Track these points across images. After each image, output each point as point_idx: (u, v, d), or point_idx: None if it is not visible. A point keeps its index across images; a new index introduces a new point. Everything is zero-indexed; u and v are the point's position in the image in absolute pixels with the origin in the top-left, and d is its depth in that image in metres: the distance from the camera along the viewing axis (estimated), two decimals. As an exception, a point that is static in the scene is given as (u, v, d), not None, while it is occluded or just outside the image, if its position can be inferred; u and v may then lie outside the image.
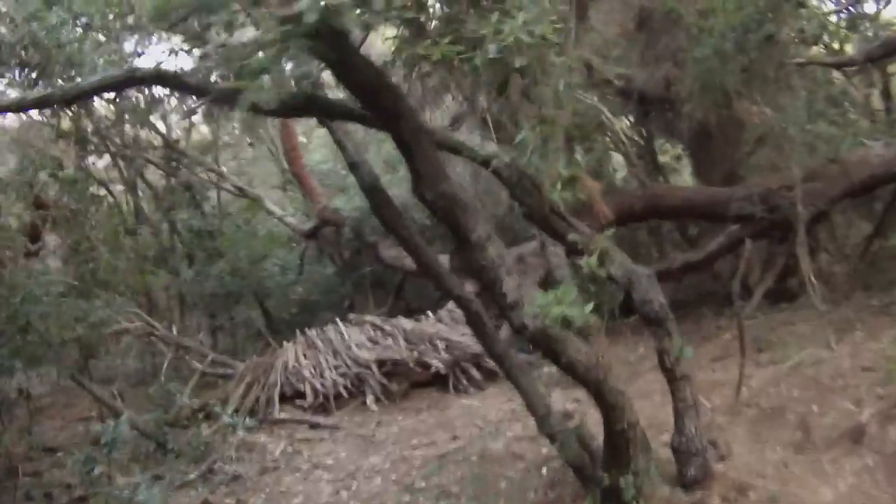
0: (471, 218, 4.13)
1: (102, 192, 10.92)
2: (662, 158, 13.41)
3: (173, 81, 5.18)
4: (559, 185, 4.43)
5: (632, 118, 12.84)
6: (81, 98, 6.20)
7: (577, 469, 5.34)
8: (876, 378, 5.99)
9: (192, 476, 7.31)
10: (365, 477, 6.96)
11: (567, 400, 7.43)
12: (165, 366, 9.87)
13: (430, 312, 10.55)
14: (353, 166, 5.39)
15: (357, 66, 3.76)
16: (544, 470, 6.26)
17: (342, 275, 13.19)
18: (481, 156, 4.58)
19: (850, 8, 10.10)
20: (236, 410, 8.91)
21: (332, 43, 3.41)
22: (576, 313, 3.64)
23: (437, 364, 9.20)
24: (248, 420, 8.18)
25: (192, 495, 7.00)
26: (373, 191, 5.30)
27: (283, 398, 9.20)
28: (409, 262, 11.94)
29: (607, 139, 12.09)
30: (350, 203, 12.27)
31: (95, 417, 9.30)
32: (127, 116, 9.75)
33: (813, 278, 7.98)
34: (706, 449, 5.00)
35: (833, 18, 9.73)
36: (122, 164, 12.05)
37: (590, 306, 3.82)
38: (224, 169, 13.47)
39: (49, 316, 7.23)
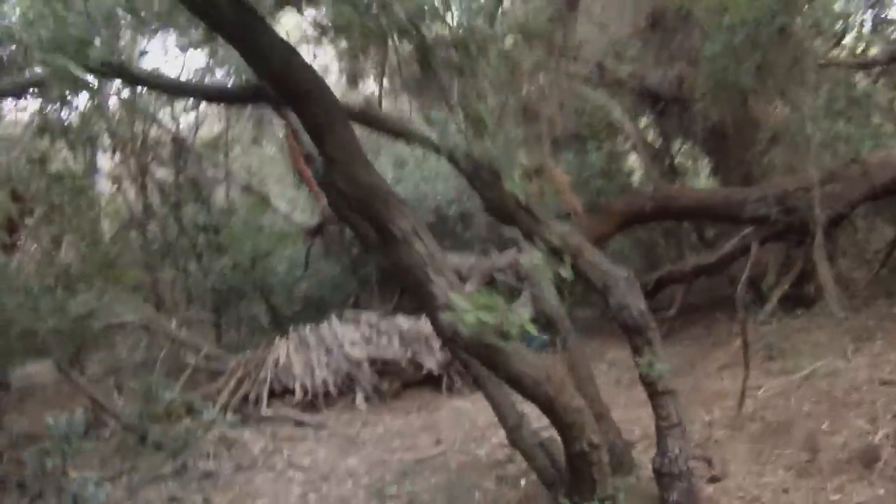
0: (394, 209, 3.42)
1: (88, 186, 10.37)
2: (681, 161, 12.55)
3: (118, 73, 4.68)
4: (518, 177, 3.73)
5: (648, 119, 12.06)
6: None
7: (548, 486, 4.61)
8: (894, 393, 5.16)
9: (165, 471, 6.72)
10: (337, 480, 6.30)
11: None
12: (160, 359, 9.34)
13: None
14: (308, 158, 4.80)
15: (259, 40, 3.14)
16: (523, 482, 5.54)
17: (349, 272, 12.55)
18: (432, 142, 3.90)
19: (872, 10, 9.27)
20: (225, 406, 8.34)
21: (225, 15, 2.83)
22: (492, 321, 2.91)
23: (430, 364, 8.50)
24: (229, 416, 7.59)
25: (162, 490, 6.41)
26: (327, 185, 4.67)
27: (273, 395, 8.58)
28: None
29: (621, 139, 11.32)
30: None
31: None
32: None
33: (831, 284, 7.16)
34: (692, 472, 4.21)
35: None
36: (130, 159, 11.62)
37: (527, 313, 3.10)
38: (234, 165, 12.96)
39: (23, 308, 6.72)
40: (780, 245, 8.51)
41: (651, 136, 12.29)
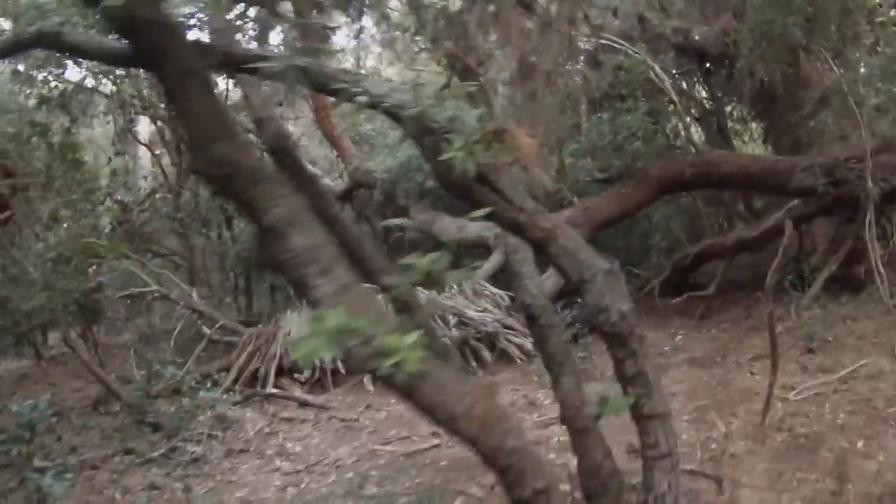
0: (265, 193, 2.64)
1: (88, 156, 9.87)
2: (731, 125, 11.17)
3: (53, 43, 4.04)
4: (462, 142, 2.87)
5: (694, 78, 10.77)
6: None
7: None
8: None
9: (154, 454, 6.26)
10: (321, 473, 5.70)
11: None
12: (178, 331, 8.91)
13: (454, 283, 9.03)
14: (259, 122, 4.07)
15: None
16: (510, 491, 4.79)
17: (380, 237, 11.82)
18: (364, 96, 3.04)
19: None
20: (234, 382, 7.86)
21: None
22: (330, 347, 2.13)
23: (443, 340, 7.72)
24: (232, 394, 7.13)
25: (146, 476, 5.95)
26: (277, 152, 3.97)
27: (283, 371, 8.02)
28: (437, 228, 10.50)
29: (663, 99, 10.08)
30: (382, 164, 10.87)
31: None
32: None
33: (881, 267, 6.06)
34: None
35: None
36: (162, 126, 11.16)
37: (414, 335, 2.30)
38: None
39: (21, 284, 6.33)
40: (829, 221, 7.38)
41: (698, 97, 11.01)
